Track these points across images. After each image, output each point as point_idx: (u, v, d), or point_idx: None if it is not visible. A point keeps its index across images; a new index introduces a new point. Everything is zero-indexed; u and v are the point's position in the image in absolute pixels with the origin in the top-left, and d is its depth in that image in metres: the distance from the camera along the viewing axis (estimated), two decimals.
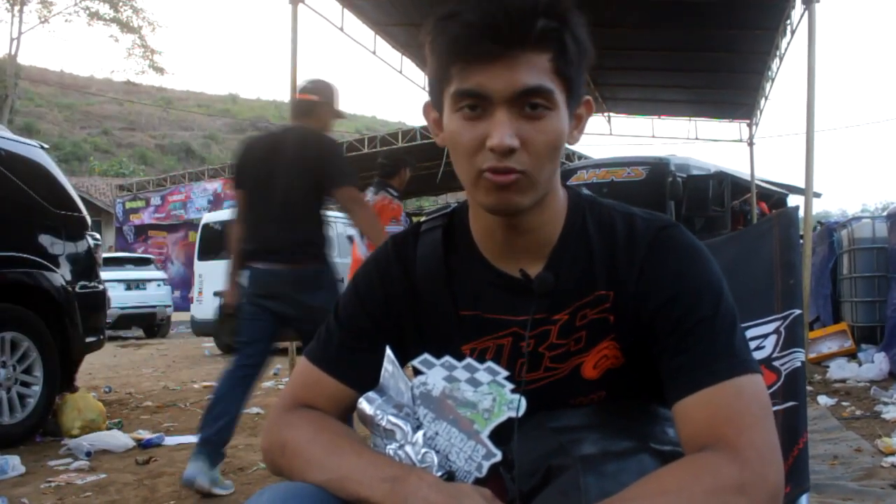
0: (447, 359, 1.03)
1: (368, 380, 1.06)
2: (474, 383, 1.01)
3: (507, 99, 0.93)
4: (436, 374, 1.03)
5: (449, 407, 1.01)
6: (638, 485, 0.88)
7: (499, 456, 0.98)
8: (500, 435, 0.99)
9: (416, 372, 1.06)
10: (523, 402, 0.99)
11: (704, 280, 1.00)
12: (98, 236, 5.54)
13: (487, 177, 0.96)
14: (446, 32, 0.95)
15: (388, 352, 1.05)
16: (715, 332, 0.96)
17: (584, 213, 1.08)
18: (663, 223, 1.05)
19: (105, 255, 12.03)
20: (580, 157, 15.88)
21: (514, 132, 0.93)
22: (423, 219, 1.17)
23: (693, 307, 0.97)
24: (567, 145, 1.06)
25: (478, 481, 0.97)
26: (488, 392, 1.01)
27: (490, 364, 1.02)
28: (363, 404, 1.02)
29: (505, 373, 1.01)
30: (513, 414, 0.99)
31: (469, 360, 1.03)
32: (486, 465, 0.98)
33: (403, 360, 1.08)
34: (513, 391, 1.00)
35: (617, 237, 1.05)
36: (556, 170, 1.01)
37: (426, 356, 1.05)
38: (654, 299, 1.00)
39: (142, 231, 23.35)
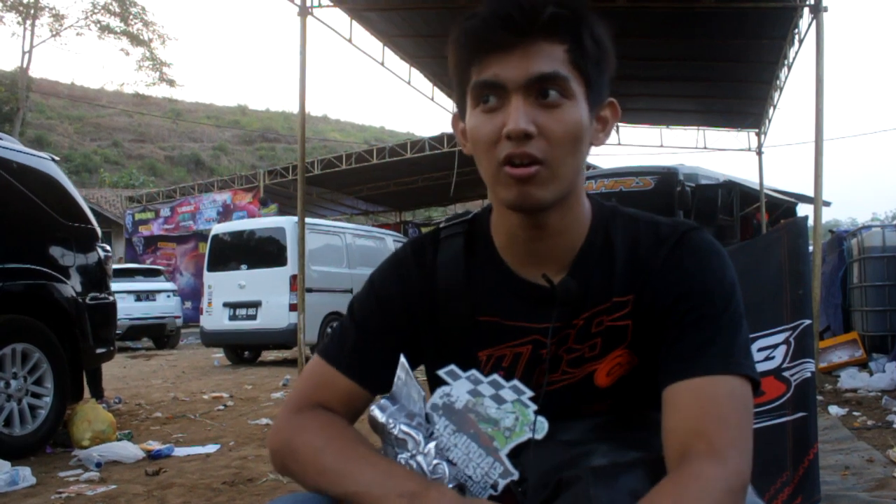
0: (473, 372, 1.03)
1: (382, 380, 1.06)
2: (499, 400, 1.01)
3: (522, 86, 0.95)
4: (461, 386, 1.03)
5: (471, 421, 1.01)
6: None
7: (516, 475, 0.97)
8: (517, 454, 0.99)
9: (440, 382, 1.05)
10: (545, 424, 0.99)
11: (718, 279, 1.01)
12: (108, 248, 5.57)
13: (507, 171, 0.96)
14: (465, 30, 0.98)
15: (402, 360, 1.05)
16: (718, 329, 0.97)
17: (608, 221, 1.08)
18: (688, 226, 1.06)
19: (115, 266, 12.08)
20: (588, 166, 15.87)
21: (530, 118, 0.94)
22: (441, 225, 1.17)
23: (701, 302, 0.98)
24: (593, 147, 1.06)
25: (490, 497, 0.97)
26: (511, 411, 1.00)
27: (516, 382, 1.02)
28: (375, 412, 1.02)
29: (530, 393, 1.01)
30: (533, 435, 0.99)
31: (495, 377, 1.03)
32: (503, 483, 0.97)
33: (416, 363, 1.08)
34: (536, 412, 1.00)
35: (640, 242, 1.05)
36: (579, 168, 1.02)
37: (452, 367, 1.04)
38: (669, 294, 1.01)
39: (151, 242, 23.42)
